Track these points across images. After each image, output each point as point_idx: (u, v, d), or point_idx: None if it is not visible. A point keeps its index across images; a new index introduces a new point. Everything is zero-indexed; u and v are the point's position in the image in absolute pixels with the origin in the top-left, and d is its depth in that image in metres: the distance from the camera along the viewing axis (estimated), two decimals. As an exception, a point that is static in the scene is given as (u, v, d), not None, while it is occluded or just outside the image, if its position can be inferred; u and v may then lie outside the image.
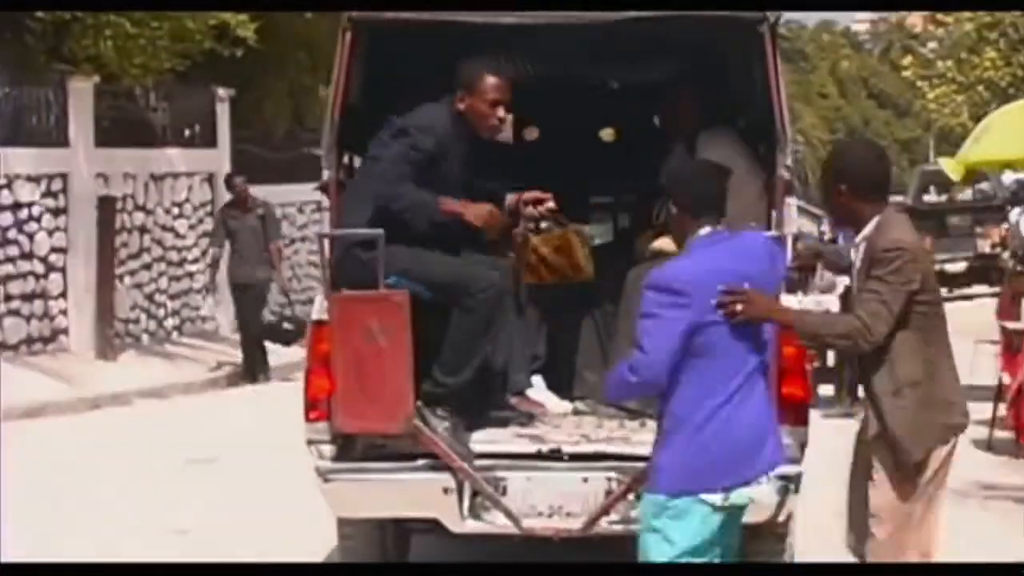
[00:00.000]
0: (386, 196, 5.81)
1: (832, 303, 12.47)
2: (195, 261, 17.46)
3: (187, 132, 17.61)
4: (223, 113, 18.05)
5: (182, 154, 17.33)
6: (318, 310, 5.92)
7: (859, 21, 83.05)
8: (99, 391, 13.83)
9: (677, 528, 4.66)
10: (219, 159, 17.93)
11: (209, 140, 17.90)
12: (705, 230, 4.81)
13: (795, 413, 5.72)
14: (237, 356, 15.64)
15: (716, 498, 4.64)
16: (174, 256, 17.17)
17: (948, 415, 5.04)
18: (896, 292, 4.89)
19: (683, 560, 4.63)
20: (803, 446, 5.80)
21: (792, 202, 6.16)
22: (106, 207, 15.53)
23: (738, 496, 4.69)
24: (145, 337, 16.58)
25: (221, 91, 17.90)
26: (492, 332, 6.04)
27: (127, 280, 16.25)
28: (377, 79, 6.10)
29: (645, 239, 6.46)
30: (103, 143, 15.80)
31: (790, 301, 7.48)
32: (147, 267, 16.70)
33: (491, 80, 5.97)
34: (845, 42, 75.05)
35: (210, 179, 17.76)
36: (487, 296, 5.95)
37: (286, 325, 15.04)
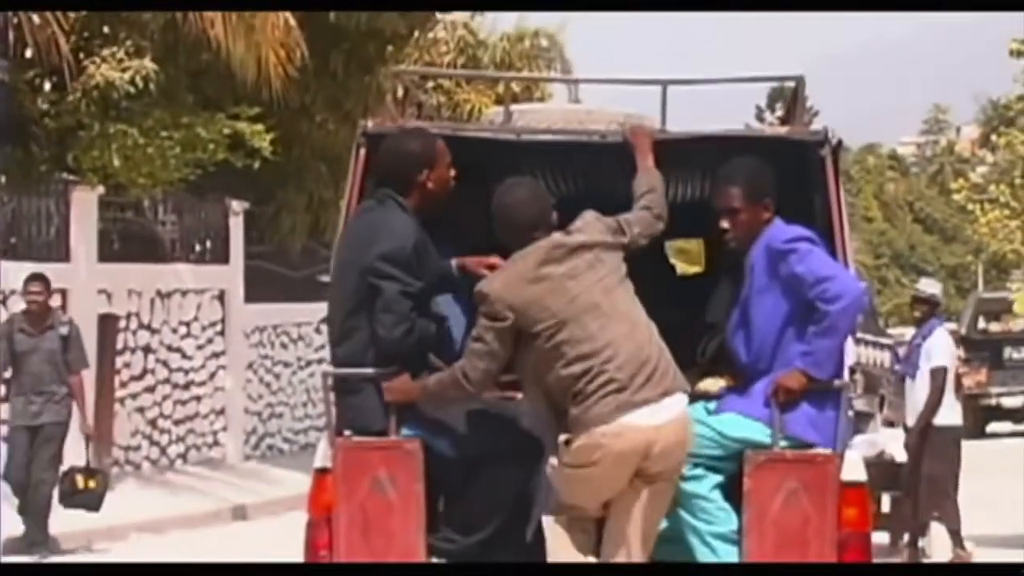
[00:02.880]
0: (390, 342, 5.62)
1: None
2: (202, 384, 17.42)
3: (197, 247, 17.65)
4: (236, 227, 18.11)
5: (191, 270, 17.31)
6: (321, 456, 5.72)
7: (904, 144, 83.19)
8: (94, 525, 13.36)
9: None
10: (231, 276, 17.97)
11: (221, 255, 17.91)
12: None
13: None
14: (247, 486, 15.34)
15: None
16: (180, 378, 17.07)
17: None
18: None
19: None
20: None
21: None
22: (107, 325, 15.47)
23: None
24: (146, 465, 16.39)
25: (235, 204, 17.98)
26: (521, 497, 5.78)
27: (128, 403, 16.12)
28: None
29: (690, 379, 6.06)
30: (107, 258, 15.84)
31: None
32: (151, 390, 16.58)
33: (440, 142, 5.87)
34: (891, 164, 74.88)
35: (221, 297, 17.79)
36: (525, 465, 5.72)
37: (89, 484, 12.31)
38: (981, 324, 25.40)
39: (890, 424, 12.46)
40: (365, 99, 17.82)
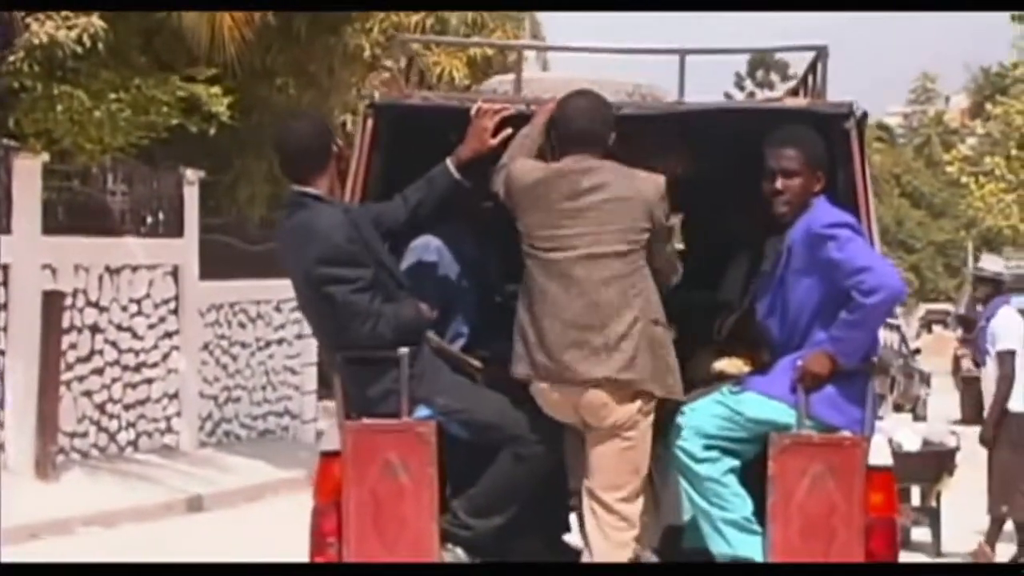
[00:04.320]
0: (367, 340, 5.78)
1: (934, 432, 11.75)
2: (154, 366, 17.31)
3: (149, 219, 17.47)
4: (191, 197, 17.92)
5: (143, 244, 17.15)
6: (328, 439, 5.90)
7: (891, 113, 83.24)
8: (36, 517, 13.33)
9: None
10: (186, 250, 17.81)
11: (175, 228, 17.75)
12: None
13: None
14: (202, 475, 15.31)
15: None
16: (131, 360, 16.91)
17: None
18: None
19: None
20: None
21: None
22: (52, 303, 15.27)
23: None
24: (94, 453, 16.23)
25: (189, 173, 17.80)
26: (538, 481, 5.92)
27: (75, 387, 15.95)
28: (399, 167, 6.20)
29: (705, 358, 6.31)
30: (51, 230, 15.62)
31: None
32: (99, 372, 16.41)
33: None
34: (878, 136, 74.95)
35: (175, 273, 17.66)
36: (543, 449, 5.87)
37: None
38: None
39: (898, 408, 12.28)
40: (330, 61, 17.73)
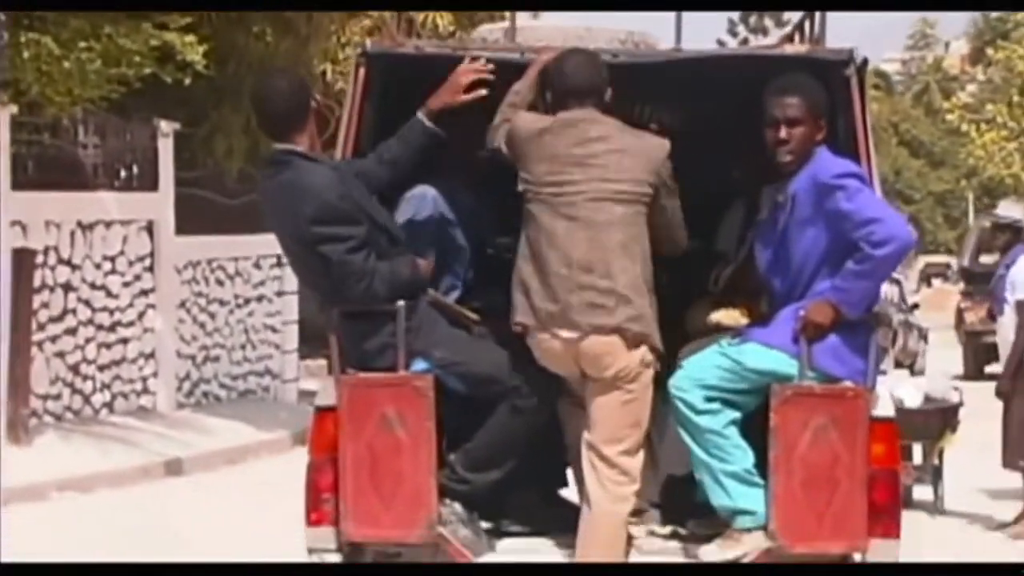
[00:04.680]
0: (361, 299, 5.94)
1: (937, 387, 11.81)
2: (130, 325, 17.24)
3: (123, 172, 17.39)
4: (166, 150, 17.84)
5: (116, 198, 17.07)
6: (323, 394, 6.02)
7: (888, 60, 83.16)
8: (9, 483, 13.19)
9: None
10: (161, 204, 17.74)
11: (149, 182, 17.67)
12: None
13: (884, 523, 5.86)
14: (180, 438, 15.38)
15: None
16: (105, 319, 16.84)
17: None
18: None
19: None
20: None
21: None
22: (23, 261, 15.13)
23: None
24: (68, 416, 16.19)
25: (164, 124, 17.71)
26: (535, 434, 6.06)
27: (47, 348, 15.89)
28: (391, 117, 6.28)
29: (701, 309, 6.45)
30: (20, 185, 15.47)
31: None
32: (72, 332, 16.34)
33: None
34: (875, 84, 74.95)
35: (150, 228, 17.59)
36: (541, 401, 6.01)
37: None
38: (983, 258, 25.10)
39: (896, 364, 12.26)
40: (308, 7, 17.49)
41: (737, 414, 5.91)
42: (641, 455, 5.94)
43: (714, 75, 6.31)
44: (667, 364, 6.09)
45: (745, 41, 54.21)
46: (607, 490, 5.87)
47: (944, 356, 25.52)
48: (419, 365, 5.92)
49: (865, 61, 6.13)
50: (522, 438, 6.01)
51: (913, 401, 11.60)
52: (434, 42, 8.12)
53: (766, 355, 5.89)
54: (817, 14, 6.29)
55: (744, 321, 6.23)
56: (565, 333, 5.84)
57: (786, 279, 5.99)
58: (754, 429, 5.89)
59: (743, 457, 5.88)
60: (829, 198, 5.85)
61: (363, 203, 5.92)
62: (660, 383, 6.04)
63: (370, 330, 5.91)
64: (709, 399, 5.90)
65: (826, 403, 5.78)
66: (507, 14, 7.07)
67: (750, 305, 6.30)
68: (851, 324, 5.84)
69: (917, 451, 11.88)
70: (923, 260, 52.50)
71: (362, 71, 6.17)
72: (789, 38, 6.95)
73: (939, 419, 11.69)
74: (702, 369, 5.95)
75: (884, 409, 5.92)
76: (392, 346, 5.87)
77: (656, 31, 6.73)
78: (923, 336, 25.97)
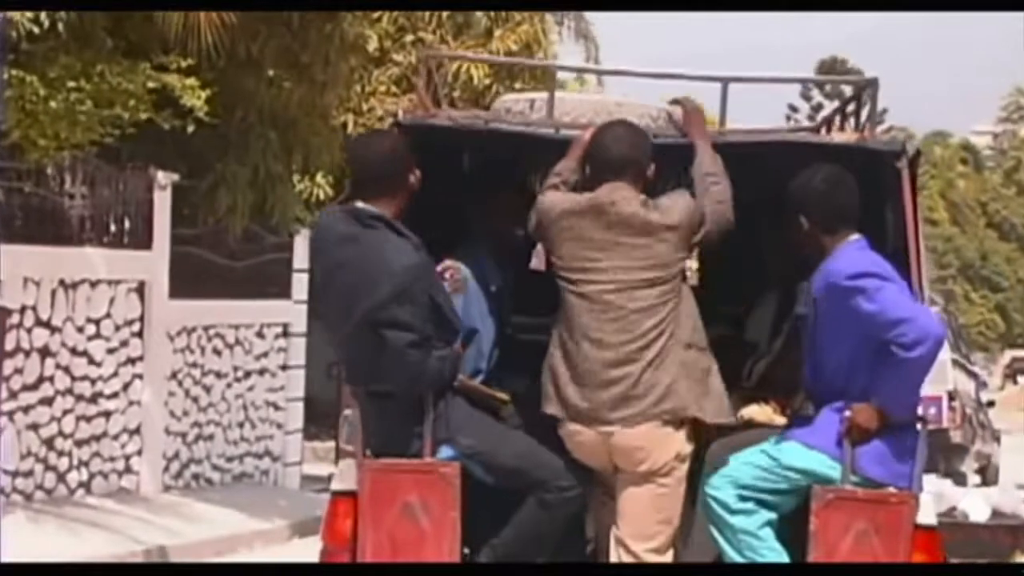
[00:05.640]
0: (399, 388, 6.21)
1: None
2: (113, 396, 17.20)
3: (113, 227, 17.40)
4: (162, 204, 17.87)
5: (104, 255, 17.07)
6: (340, 478, 6.29)
7: (979, 133, 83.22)
8: None
9: None
10: (154, 264, 17.76)
11: (142, 239, 17.69)
12: (854, 236, 6.21)
13: None
14: (165, 524, 15.48)
15: None
16: (86, 389, 16.82)
17: None
18: None
19: None
20: None
21: (945, 358, 6.64)
22: None
23: None
24: (39, 495, 16.18)
25: (161, 175, 17.73)
26: (565, 529, 6.32)
27: (19, 419, 15.85)
28: (425, 187, 6.55)
29: (733, 403, 6.58)
30: None
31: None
32: (48, 402, 16.34)
33: None
34: (962, 158, 75.07)
35: (140, 289, 17.57)
36: (570, 496, 6.27)
37: None
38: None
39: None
40: (326, 51, 17.57)
41: (772, 515, 6.15)
42: (671, 554, 6.21)
43: (757, 157, 6.58)
44: (697, 458, 6.34)
45: (819, 107, 54.47)
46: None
47: (1020, 463, 25.20)
48: (445, 452, 6.17)
49: (918, 153, 6.43)
50: (551, 533, 6.27)
51: (979, 515, 11.46)
52: (468, 113, 8.60)
53: (806, 455, 6.13)
54: (867, 99, 6.55)
55: (777, 418, 6.55)
56: (597, 427, 6.13)
57: (820, 379, 6.25)
58: (788, 533, 6.14)
59: (778, 560, 6.11)
60: (849, 300, 6.09)
61: (434, 292, 6.22)
62: (694, 478, 6.32)
63: (396, 414, 6.18)
64: (743, 498, 6.14)
65: (869, 508, 6.04)
66: (539, 85, 7.55)
67: (783, 401, 6.61)
68: (896, 428, 6.09)
69: (984, 571, 11.63)
70: (1009, 354, 52.23)
71: None
72: (827, 122, 7.26)
73: (1009, 537, 11.51)
74: (736, 467, 6.20)
75: (927, 517, 6.15)
76: (418, 432, 6.14)
77: (710, 98, 6.82)
78: (996, 438, 25.78)
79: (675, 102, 6.64)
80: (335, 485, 6.33)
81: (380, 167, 6.30)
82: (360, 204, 6.29)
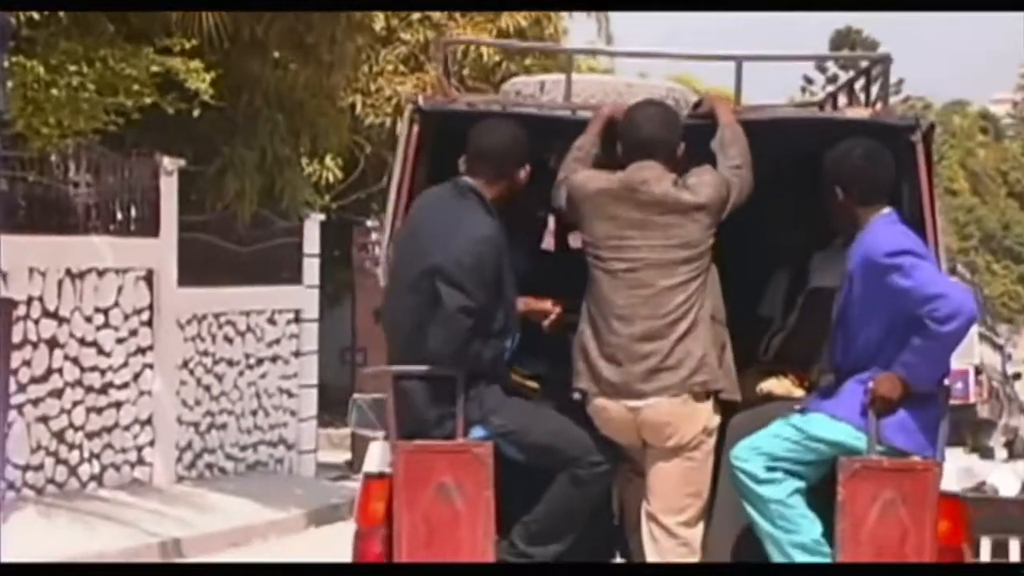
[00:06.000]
0: (438, 357, 6.34)
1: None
2: (124, 387, 17.19)
3: (119, 215, 17.42)
4: (169, 190, 17.86)
5: (112, 244, 17.08)
6: (373, 460, 6.42)
7: (998, 101, 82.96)
8: None
9: None
10: (162, 251, 17.76)
11: (149, 226, 17.70)
12: (886, 210, 6.34)
13: None
14: (179, 516, 15.52)
15: None
16: (95, 380, 16.80)
17: None
18: None
19: None
20: None
21: (972, 332, 6.92)
22: (2, 312, 15.11)
23: None
24: (50, 489, 16.16)
25: (167, 161, 17.71)
26: (597, 508, 6.50)
27: (28, 412, 15.86)
28: (444, 172, 6.76)
29: (750, 378, 6.81)
30: (2, 227, 15.04)
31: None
32: (57, 394, 16.31)
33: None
34: (981, 127, 74.88)
35: (149, 278, 17.56)
36: (601, 471, 6.44)
37: None
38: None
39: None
40: (332, 32, 17.52)
41: (801, 483, 6.30)
42: (701, 526, 6.38)
43: (772, 135, 6.67)
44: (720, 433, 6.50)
45: (835, 78, 54.48)
46: (668, 562, 6.31)
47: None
48: (477, 432, 6.31)
49: (932, 126, 6.54)
50: (583, 510, 6.41)
51: (1009, 489, 11.36)
52: (486, 97, 8.95)
53: (833, 426, 6.27)
54: (879, 76, 6.73)
55: (796, 391, 6.68)
56: (628, 402, 6.27)
57: (849, 352, 6.37)
58: (814, 503, 6.26)
59: (810, 527, 6.27)
60: (885, 277, 6.23)
61: (503, 274, 6.37)
62: (721, 449, 6.47)
63: (428, 394, 6.32)
64: (770, 468, 6.28)
65: (895, 477, 6.17)
66: (549, 64, 7.62)
67: (800, 374, 6.74)
68: (920, 398, 6.24)
69: (1014, 547, 11.52)
70: (1034, 326, 52.13)
71: (415, 127, 6.70)
72: (850, 90, 7.38)
73: None
74: (763, 438, 6.34)
75: (950, 484, 6.33)
76: (450, 412, 6.26)
77: (728, 76, 7.00)
78: (1022, 410, 25.81)
79: (698, 104, 6.83)
80: (366, 467, 6.47)
81: (491, 150, 6.54)
82: (464, 177, 6.54)
